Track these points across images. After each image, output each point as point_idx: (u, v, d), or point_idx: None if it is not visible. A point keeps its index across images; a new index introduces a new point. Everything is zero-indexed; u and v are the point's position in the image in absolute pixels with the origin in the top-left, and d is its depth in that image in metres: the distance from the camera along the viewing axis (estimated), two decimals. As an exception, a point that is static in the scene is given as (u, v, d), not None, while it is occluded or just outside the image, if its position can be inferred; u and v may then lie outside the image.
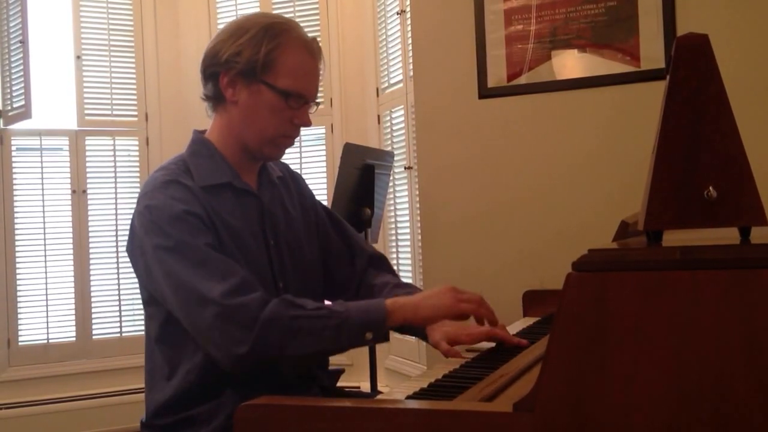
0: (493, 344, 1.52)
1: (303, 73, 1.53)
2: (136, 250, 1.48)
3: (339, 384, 1.73)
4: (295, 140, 1.60)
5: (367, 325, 1.34)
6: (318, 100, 1.60)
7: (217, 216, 1.45)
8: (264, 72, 1.48)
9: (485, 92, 2.71)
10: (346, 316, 1.33)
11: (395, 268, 3.97)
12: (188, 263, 1.37)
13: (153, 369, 1.53)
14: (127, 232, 1.54)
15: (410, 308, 1.37)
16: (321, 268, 1.67)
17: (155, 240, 1.41)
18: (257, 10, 4.33)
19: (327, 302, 1.56)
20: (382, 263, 1.75)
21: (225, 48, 1.49)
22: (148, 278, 1.47)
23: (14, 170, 4.11)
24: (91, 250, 4.12)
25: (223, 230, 1.45)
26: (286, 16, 4.28)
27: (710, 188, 0.93)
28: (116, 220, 4.15)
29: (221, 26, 4.53)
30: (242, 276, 1.37)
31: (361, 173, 2.90)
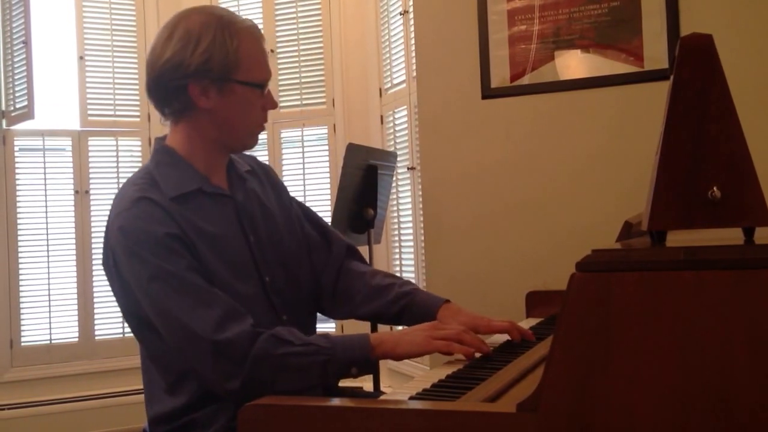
0: (498, 344, 1.52)
1: (262, 59, 1.53)
2: (112, 269, 1.47)
3: (342, 384, 1.73)
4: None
5: (353, 361, 1.35)
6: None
7: (191, 226, 1.44)
8: (235, 71, 1.46)
9: (488, 93, 2.71)
10: (333, 352, 1.34)
11: (398, 268, 3.97)
12: (171, 292, 1.37)
13: (151, 381, 1.53)
14: None
15: (390, 344, 1.38)
16: (306, 259, 1.67)
17: (136, 267, 1.40)
18: (259, 11, 4.33)
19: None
20: (357, 253, 1.76)
21: (187, 58, 1.43)
22: (126, 300, 1.47)
23: (17, 171, 4.11)
24: (93, 251, 4.13)
25: (200, 241, 1.44)
26: (288, 16, 4.30)
27: (714, 188, 0.93)
28: (119, 220, 4.14)
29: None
30: (225, 304, 1.37)
31: (364, 174, 2.90)
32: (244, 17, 1.54)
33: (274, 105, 1.55)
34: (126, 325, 4.17)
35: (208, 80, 1.45)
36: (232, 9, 4.36)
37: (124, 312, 1.51)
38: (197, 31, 1.44)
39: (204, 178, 1.52)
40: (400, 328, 1.56)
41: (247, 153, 1.70)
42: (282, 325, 1.53)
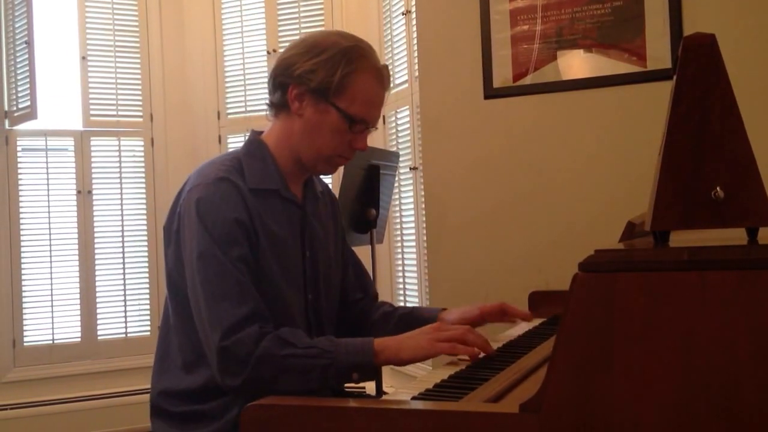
0: (499, 345, 1.52)
1: (372, 101, 1.55)
2: (173, 234, 1.52)
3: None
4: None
5: (355, 366, 1.37)
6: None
7: (261, 220, 1.49)
8: (335, 94, 1.50)
9: (491, 92, 2.71)
10: (335, 356, 1.36)
11: (400, 268, 3.97)
12: (211, 275, 1.41)
13: (166, 354, 1.56)
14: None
15: (394, 350, 1.39)
16: (340, 290, 1.73)
17: (195, 240, 1.44)
18: (262, 12, 4.33)
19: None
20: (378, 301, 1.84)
21: (300, 62, 1.51)
22: (175, 265, 1.51)
23: (20, 171, 4.12)
24: (96, 251, 4.13)
25: (264, 236, 1.49)
26: (291, 16, 4.30)
27: (717, 189, 0.93)
28: (122, 220, 4.14)
29: (226, 26, 4.54)
30: (254, 305, 1.41)
31: (367, 174, 2.90)
32: (382, 61, 1.59)
33: (363, 147, 1.58)
34: (128, 325, 4.19)
35: (306, 88, 1.50)
36: (234, 9, 4.39)
37: (168, 277, 1.55)
38: (323, 47, 1.51)
39: (284, 182, 1.57)
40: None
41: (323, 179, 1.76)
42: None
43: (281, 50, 4.68)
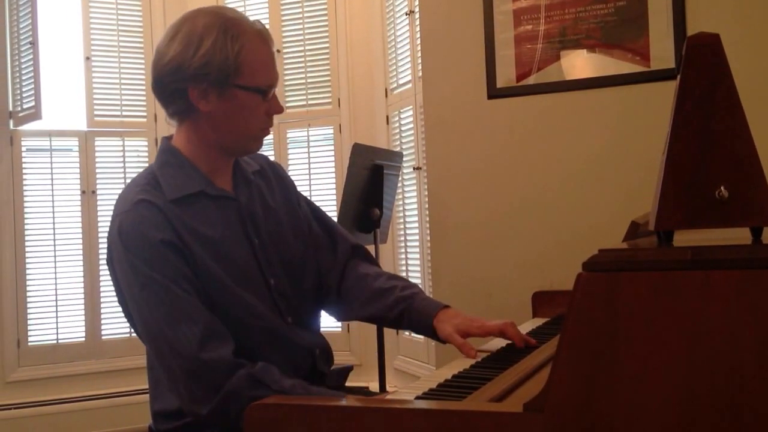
0: (503, 344, 1.52)
1: (267, 64, 1.49)
2: (109, 266, 1.49)
3: (347, 384, 1.73)
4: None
5: None
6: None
7: (189, 232, 1.43)
8: (236, 76, 1.44)
9: (494, 92, 2.71)
10: None
11: (404, 268, 3.97)
12: (157, 303, 1.38)
13: (155, 378, 1.54)
14: None
15: None
16: (311, 259, 1.65)
17: (128, 273, 1.41)
18: (266, 11, 4.34)
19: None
20: (363, 253, 1.74)
21: (187, 60, 1.42)
22: (121, 296, 1.48)
23: (24, 171, 4.13)
24: (100, 251, 4.14)
25: (197, 245, 1.43)
26: (294, 16, 4.30)
27: (722, 188, 0.93)
28: (125, 220, 4.15)
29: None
30: (208, 321, 1.38)
31: (370, 174, 2.90)
32: (253, 20, 1.52)
33: (279, 110, 1.53)
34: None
35: (207, 84, 1.43)
36: (238, 10, 4.39)
37: (122, 307, 1.52)
38: (199, 33, 1.43)
39: (207, 180, 1.51)
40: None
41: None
42: (287, 326, 1.53)
43: (284, 50, 4.66)
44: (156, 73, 1.47)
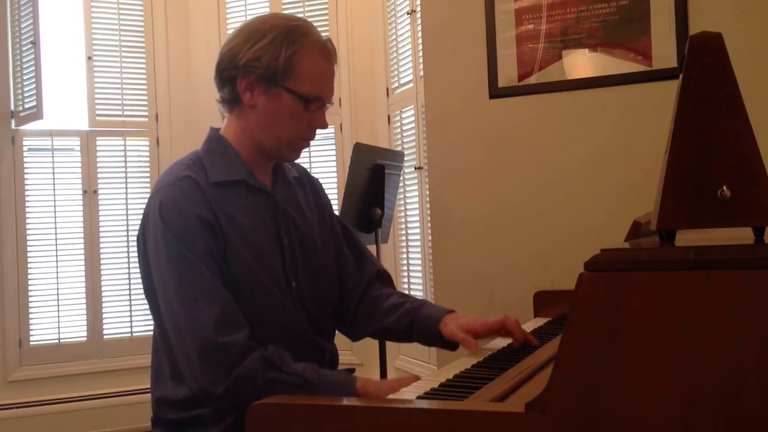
0: (505, 344, 1.52)
1: (321, 76, 1.53)
2: (140, 242, 1.52)
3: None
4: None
5: None
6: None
7: (226, 215, 1.47)
8: (284, 77, 1.48)
9: (496, 92, 2.71)
10: (316, 390, 1.35)
11: (405, 268, 3.97)
12: (180, 275, 1.40)
13: (158, 363, 1.55)
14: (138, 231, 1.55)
15: (373, 394, 1.36)
16: (336, 273, 1.68)
17: (159, 244, 1.43)
18: (267, 10, 4.34)
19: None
20: (386, 278, 1.76)
21: (243, 52, 1.49)
22: (147, 271, 1.50)
23: (26, 170, 4.13)
24: (102, 250, 4.14)
25: (232, 229, 1.46)
26: (297, 15, 4.30)
27: (724, 188, 0.93)
28: (127, 220, 4.15)
29: (231, 27, 4.54)
30: (228, 304, 1.39)
31: (372, 173, 2.90)
32: (324, 35, 1.55)
33: (323, 124, 1.55)
34: (134, 324, 4.20)
35: (254, 77, 1.48)
36: (239, 10, 4.39)
37: (144, 287, 1.53)
38: (263, 31, 1.49)
39: (250, 171, 1.54)
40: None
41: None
42: (303, 321, 1.55)
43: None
44: (218, 57, 1.54)
